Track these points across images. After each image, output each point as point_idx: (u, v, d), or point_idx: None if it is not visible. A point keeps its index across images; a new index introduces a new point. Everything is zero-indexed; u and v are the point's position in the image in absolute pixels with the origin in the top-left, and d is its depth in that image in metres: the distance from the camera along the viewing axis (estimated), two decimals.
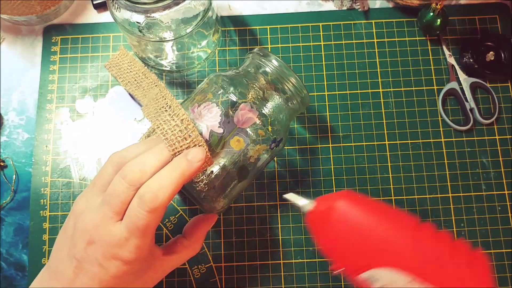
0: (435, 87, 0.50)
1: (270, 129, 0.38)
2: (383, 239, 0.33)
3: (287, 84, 0.40)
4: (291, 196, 0.37)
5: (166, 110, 0.35)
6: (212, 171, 0.37)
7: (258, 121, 0.38)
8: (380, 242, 0.33)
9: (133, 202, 0.32)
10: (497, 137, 0.48)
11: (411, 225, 0.34)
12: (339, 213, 0.34)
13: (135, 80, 0.47)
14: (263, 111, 0.38)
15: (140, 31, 0.42)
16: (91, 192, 0.35)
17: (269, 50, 0.51)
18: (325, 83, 0.50)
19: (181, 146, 0.33)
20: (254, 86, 0.39)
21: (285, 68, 0.40)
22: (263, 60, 0.40)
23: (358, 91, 0.50)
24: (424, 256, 0.32)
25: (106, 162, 0.35)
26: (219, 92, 0.39)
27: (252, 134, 0.38)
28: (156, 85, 0.44)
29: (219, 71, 0.48)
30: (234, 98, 0.38)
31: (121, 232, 0.32)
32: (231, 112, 0.38)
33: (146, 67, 0.47)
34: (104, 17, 0.52)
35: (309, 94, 0.48)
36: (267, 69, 0.40)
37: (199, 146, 0.33)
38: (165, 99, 0.36)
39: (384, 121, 0.49)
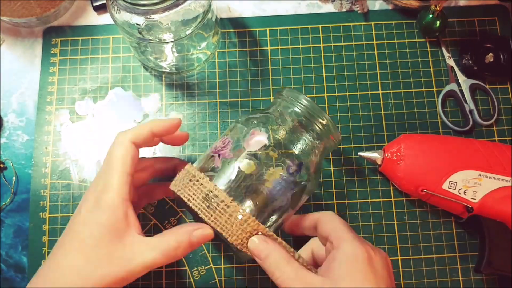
0: (434, 89, 0.50)
1: (304, 174, 0.38)
2: (452, 152, 0.43)
3: (317, 124, 0.39)
4: (364, 153, 0.46)
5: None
6: None
7: (267, 143, 0.38)
8: (449, 155, 0.43)
9: None
10: (496, 138, 0.48)
11: (467, 140, 0.45)
12: (408, 150, 0.44)
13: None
14: (294, 151, 0.38)
15: (140, 33, 0.42)
16: None
17: (271, 54, 0.51)
18: (325, 84, 0.50)
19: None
20: (284, 126, 0.39)
21: (316, 109, 0.39)
22: (292, 100, 0.40)
23: (358, 93, 0.50)
24: (483, 157, 0.43)
25: None
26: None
27: (262, 156, 0.37)
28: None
29: (246, 113, 0.48)
30: (266, 142, 0.38)
31: None
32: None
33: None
34: (104, 19, 0.52)
35: (309, 96, 0.48)
36: (296, 109, 0.40)
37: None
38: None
39: (384, 122, 0.49)
